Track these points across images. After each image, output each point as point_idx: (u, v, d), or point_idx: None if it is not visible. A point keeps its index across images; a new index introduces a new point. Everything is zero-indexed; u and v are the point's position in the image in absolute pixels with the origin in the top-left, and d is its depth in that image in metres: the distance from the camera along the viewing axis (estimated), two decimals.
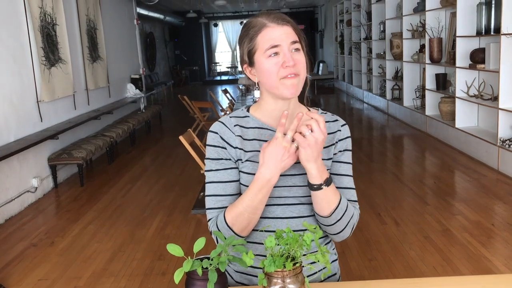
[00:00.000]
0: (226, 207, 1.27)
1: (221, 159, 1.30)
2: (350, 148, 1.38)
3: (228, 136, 1.31)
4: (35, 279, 3.06)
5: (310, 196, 1.28)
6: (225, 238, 1.07)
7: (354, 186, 1.36)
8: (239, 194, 1.30)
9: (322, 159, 1.25)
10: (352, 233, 1.33)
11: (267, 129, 1.32)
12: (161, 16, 14.73)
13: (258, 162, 1.24)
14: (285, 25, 1.25)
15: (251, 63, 1.29)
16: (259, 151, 1.26)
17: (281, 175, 1.23)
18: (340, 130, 1.36)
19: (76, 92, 6.07)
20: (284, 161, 1.18)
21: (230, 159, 1.30)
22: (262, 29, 1.25)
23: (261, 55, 1.25)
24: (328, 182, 1.21)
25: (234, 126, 1.33)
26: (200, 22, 18.37)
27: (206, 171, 1.33)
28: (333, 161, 1.34)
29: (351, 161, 1.37)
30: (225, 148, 1.30)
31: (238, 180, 1.31)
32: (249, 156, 1.30)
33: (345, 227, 1.28)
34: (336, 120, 1.38)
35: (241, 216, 1.22)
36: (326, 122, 1.34)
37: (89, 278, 3.03)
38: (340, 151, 1.35)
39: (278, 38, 1.23)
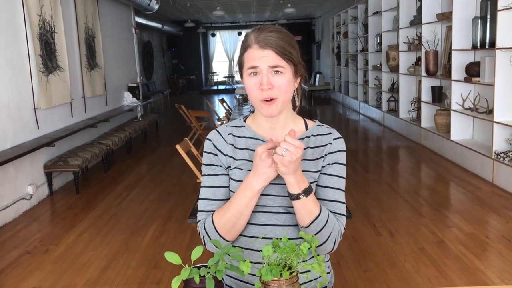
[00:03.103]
0: (214, 211, 1.33)
1: (213, 165, 1.38)
2: (342, 162, 1.37)
3: (220, 144, 1.39)
4: (29, 287, 3.04)
5: None
6: (210, 239, 1.15)
7: (342, 200, 1.36)
8: (228, 199, 1.34)
9: (309, 171, 1.32)
10: (337, 246, 1.33)
11: (258, 139, 1.38)
12: (159, 25, 14.79)
13: (246, 170, 1.32)
14: (266, 49, 1.26)
15: (241, 75, 1.36)
16: (249, 160, 1.34)
17: (268, 184, 1.30)
18: (331, 144, 1.37)
19: (73, 99, 6.08)
20: (264, 172, 1.23)
21: (221, 166, 1.37)
22: (248, 49, 1.30)
23: (245, 71, 1.31)
24: (306, 192, 1.23)
25: (228, 134, 1.40)
26: (198, 32, 18.47)
27: (202, 175, 1.41)
28: (320, 173, 1.35)
29: (341, 175, 1.37)
30: (217, 155, 1.38)
31: (228, 186, 1.37)
32: (238, 164, 1.36)
33: (326, 240, 1.29)
34: (330, 134, 1.39)
35: (227, 220, 1.28)
36: (319, 135, 1.38)
37: (83, 286, 3.02)
38: (329, 164, 1.36)
39: (257, 61, 1.27)
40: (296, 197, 1.23)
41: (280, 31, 1.30)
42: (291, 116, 1.39)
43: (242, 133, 1.40)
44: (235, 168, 1.35)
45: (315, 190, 1.34)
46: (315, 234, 1.26)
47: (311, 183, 1.30)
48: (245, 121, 1.43)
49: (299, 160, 1.19)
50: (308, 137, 1.38)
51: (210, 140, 1.40)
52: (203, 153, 1.42)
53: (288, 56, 1.28)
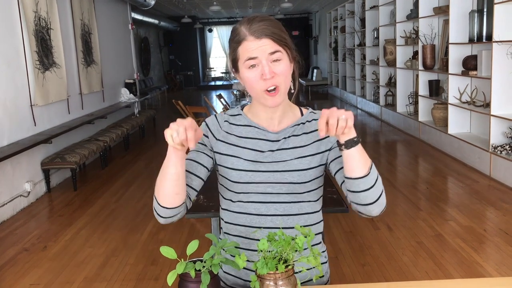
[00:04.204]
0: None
1: (200, 143, 1.39)
2: None
3: (214, 128, 1.41)
4: (27, 284, 3.04)
5: (294, 193, 1.33)
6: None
7: None
8: (201, 178, 1.35)
9: (306, 156, 1.33)
10: (381, 212, 1.26)
11: (254, 127, 1.39)
12: (156, 21, 14.74)
13: (241, 158, 1.34)
14: (263, 38, 1.26)
15: (236, 70, 1.35)
16: (243, 147, 1.36)
17: (263, 171, 1.32)
18: None
19: (70, 96, 6.06)
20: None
21: (206, 146, 1.39)
22: (242, 42, 1.28)
23: (242, 65, 1.29)
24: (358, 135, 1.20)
25: (224, 121, 1.42)
26: (194, 28, 18.40)
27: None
28: (332, 150, 1.35)
29: None
30: (207, 137, 1.40)
31: (206, 167, 1.37)
32: (232, 151, 1.37)
33: (382, 189, 1.23)
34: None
35: (157, 183, 1.27)
36: (313, 120, 1.40)
37: (81, 283, 3.02)
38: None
39: (255, 51, 1.26)
40: (357, 140, 1.17)
41: (269, 18, 1.30)
42: (288, 104, 1.40)
43: (239, 121, 1.41)
44: (232, 156, 1.36)
45: (337, 167, 1.32)
46: (376, 182, 1.21)
47: (310, 168, 1.33)
48: (242, 109, 1.44)
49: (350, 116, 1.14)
50: (303, 123, 1.39)
51: (205, 122, 1.43)
52: None
53: (284, 41, 1.28)
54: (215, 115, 1.45)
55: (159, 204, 1.28)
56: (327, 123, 1.11)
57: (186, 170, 1.32)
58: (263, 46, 1.25)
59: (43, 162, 5.05)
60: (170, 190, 1.24)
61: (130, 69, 9.61)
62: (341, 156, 1.26)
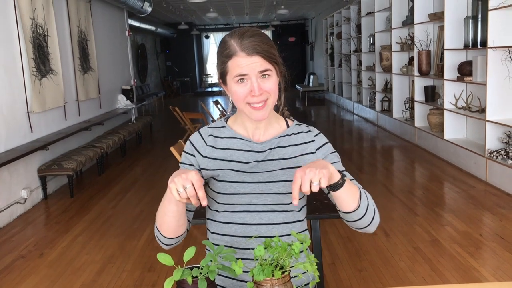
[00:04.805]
0: None
1: (187, 164, 1.40)
2: (332, 151, 1.41)
3: (199, 145, 1.40)
4: None
5: (280, 204, 1.35)
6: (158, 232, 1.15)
7: (352, 177, 1.35)
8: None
9: (290, 168, 1.35)
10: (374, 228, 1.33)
11: (239, 138, 1.39)
12: (153, 28, 14.78)
13: (227, 170, 1.34)
14: (254, 55, 1.26)
15: (224, 82, 1.35)
16: (229, 160, 1.36)
17: (248, 182, 1.33)
18: (314, 140, 1.41)
19: (67, 103, 6.06)
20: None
21: (194, 166, 1.39)
22: (232, 57, 1.28)
23: (231, 79, 1.30)
24: (343, 174, 1.23)
25: (209, 136, 1.42)
26: (191, 34, 18.46)
27: None
28: None
29: (338, 160, 1.40)
30: (194, 156, 1.40)
31: None
32: (218, 164, 1.37)
33: (374, 210, 1.31)
34: (309, 131, 1.43)
35: (158, 216, 1.32)
36: (299, 133, 1.41)
37: None
38: (325, 156, 1.39)
39: (246, 68, 1.26)
40: (341, 182, 1.19)
41: (260, 33, 1.31)
42: (273, 115, 1.41)
43: (223, 134, 1.41)
44: (218, 169, 1.36)
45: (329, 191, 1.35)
46: (367, 209, 1.27)
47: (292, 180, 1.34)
48: (226, 121, 1.45)
49: (325, 166, 1.16)
50: (289, 135, 1.41)
51: (190, 141, 1.43)
52: (183, 152, 1.43)
53: (273, 58, 1.30)
54: (199, 131, 1.44)
55: (163, 236, 1.31)
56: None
57: None
58: (254, 63, 1.26)
59: (40, 168, 5.04)
60: (173, 224, 1.28)
61: (127, 75, 9.62)
62: None
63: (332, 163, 1.36)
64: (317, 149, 1.39)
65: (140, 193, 5.22)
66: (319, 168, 1.12)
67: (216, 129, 1.43)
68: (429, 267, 3.06)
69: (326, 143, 1.42)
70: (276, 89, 1.32)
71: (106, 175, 6.11)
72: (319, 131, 1.45)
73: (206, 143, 1.40)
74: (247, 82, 1.28)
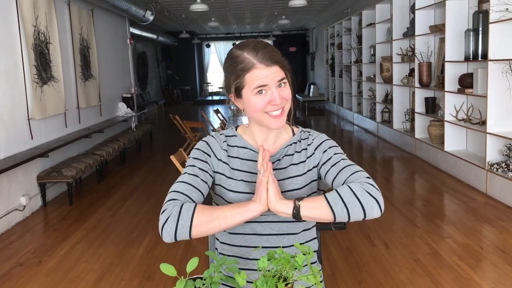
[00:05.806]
0: (190, 197, 1.27)
1: (203, 161, 1.37)
2: (330, 145, 1.40)
3: (216, 148, 1.40)
4: None
5: None
6: (177, 224, 1.17)
7: (357, 170, 1.32)
8: (203, 197, 1.32)
9: (296, 176, 1.36)
10: (381, 199, 1.27)
11: (249, 149, 1.40)
12: (154, 36, 14.83)
13: (239, 180, 1.34)
14: (273, 65, 1.28)
15: (238, 96, 1.34)
16: (240, 170, 1.36)
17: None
18: (312, 142, 1.42)
19: (67, 110, 6.07)
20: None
21: (208, 164, 1.37)
22: (250, 70, 1.27)
23: (248, 92, 1.29)
24: (298, 200, 1.22)
25: (223, 142, 1.42)
26: (192, 43, 18.54)
27: (187, 166, 1.37)
28: (321, 166, 1.37)
29: (338, 152, 1.38)
30: (210, 156, 1.39)
31: (209, 186, 1.34)
32: (233, 174, 1.36)
33: (362, 205, 1.21)
34: (310, 135, 1.44)
35: (208, 220, 1.21)
36: (302, 139, 1.43)
37: None
38: (323, 153, 1.39)
39: (266, 79, 1.27)
40: (297, 212, 1.20)
41: (268, 44, 1.34)
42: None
43: (234, 142, 1.42)
44: (230, 178, 1.36)
45: (332, 183, 1.34)
46: (349, 212, 1.20)
47: (304, 186, 1.35)
48: (236, 130, 1.46)
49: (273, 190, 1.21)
50: (295, 142, 1.43)
51: (206, 142, 1.42)
52: (194, 150, 1.40)
53: (287, 67, 1.32)
54: (213, 135, 1.45)
55: (190, 237, 1.23)
56: None
57: (192, 186, 1.31)
58: (273, 73, 1.28)
59: (39, 176, 5.03)
60: (214, 232, 1.25)
61: (128, 83, 9.64)
62: (331, 167, 1.33)
63: (331, 158, 1.36)
64: (315, 149, 1.41)
65: (139, 202, 5.20)
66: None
67: (227, 137, 1.44)
68: (429, 280, 3.04)
69: (324, 141, 1.41)
70: (291, 97, 1.35)
71: (105, 183, 6.09)
72: (318, 133, 1.45)
73: (221, 147, 1.41)
74: (266, 93, 1.29)
